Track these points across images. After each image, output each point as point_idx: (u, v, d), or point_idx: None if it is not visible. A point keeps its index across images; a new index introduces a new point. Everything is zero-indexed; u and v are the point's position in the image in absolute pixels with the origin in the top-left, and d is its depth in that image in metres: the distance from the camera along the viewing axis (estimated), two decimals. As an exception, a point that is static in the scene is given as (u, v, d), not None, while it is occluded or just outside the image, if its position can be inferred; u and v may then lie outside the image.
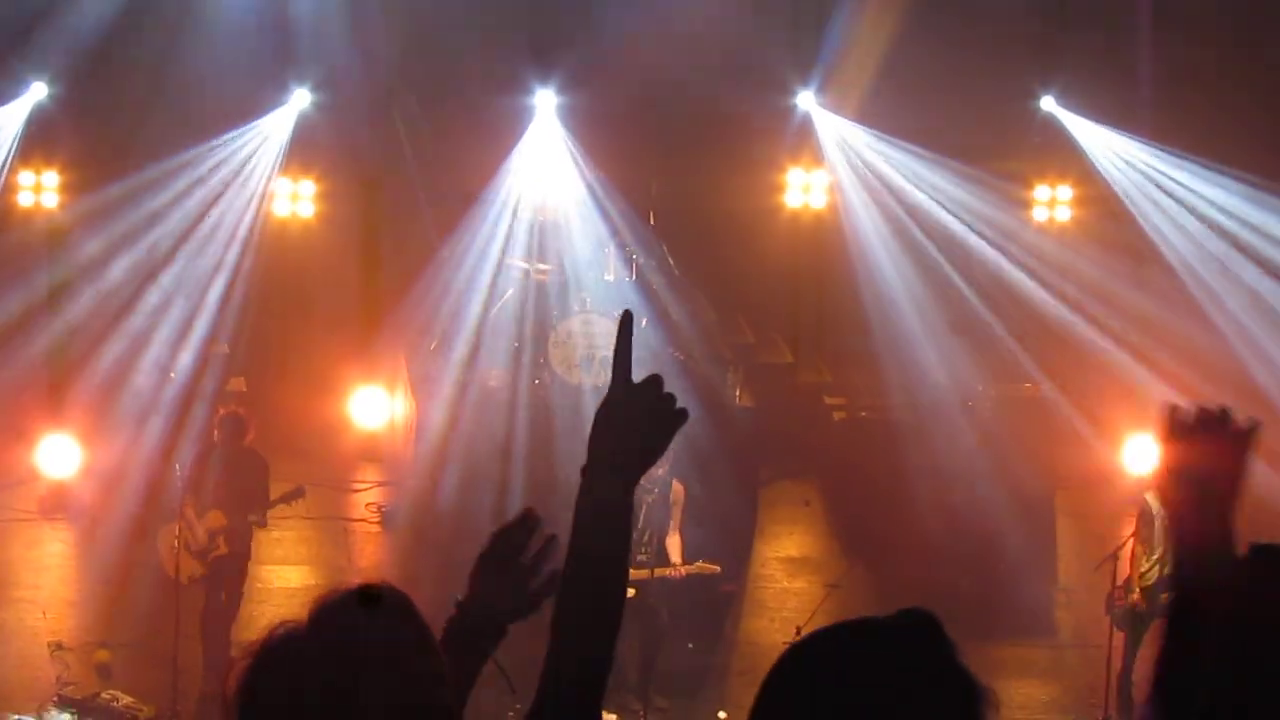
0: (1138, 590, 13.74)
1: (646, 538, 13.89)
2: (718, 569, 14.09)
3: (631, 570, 13.63)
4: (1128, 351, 18.62)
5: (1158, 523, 13.78)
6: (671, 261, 17.96)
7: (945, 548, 15.85)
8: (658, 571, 13.86)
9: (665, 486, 13.95)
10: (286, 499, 14.15)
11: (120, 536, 15.60)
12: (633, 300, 17.11)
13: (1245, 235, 18.62)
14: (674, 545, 13.98)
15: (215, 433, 14.29)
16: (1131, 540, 13.84)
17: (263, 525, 14.22)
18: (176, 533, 13.63)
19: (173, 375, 18.05)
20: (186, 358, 18.17)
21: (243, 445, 14.12)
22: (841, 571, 16.01)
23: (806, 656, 2.63)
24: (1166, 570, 13.75)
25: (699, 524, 14.45)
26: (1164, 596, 13.71)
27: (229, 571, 14.05)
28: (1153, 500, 13.88)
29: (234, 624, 14.16)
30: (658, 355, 17.14)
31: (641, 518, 13.85)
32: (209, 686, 13.63)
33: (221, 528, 13.83)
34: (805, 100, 19.28)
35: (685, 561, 13.93)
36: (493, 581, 3.57)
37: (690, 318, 17.88)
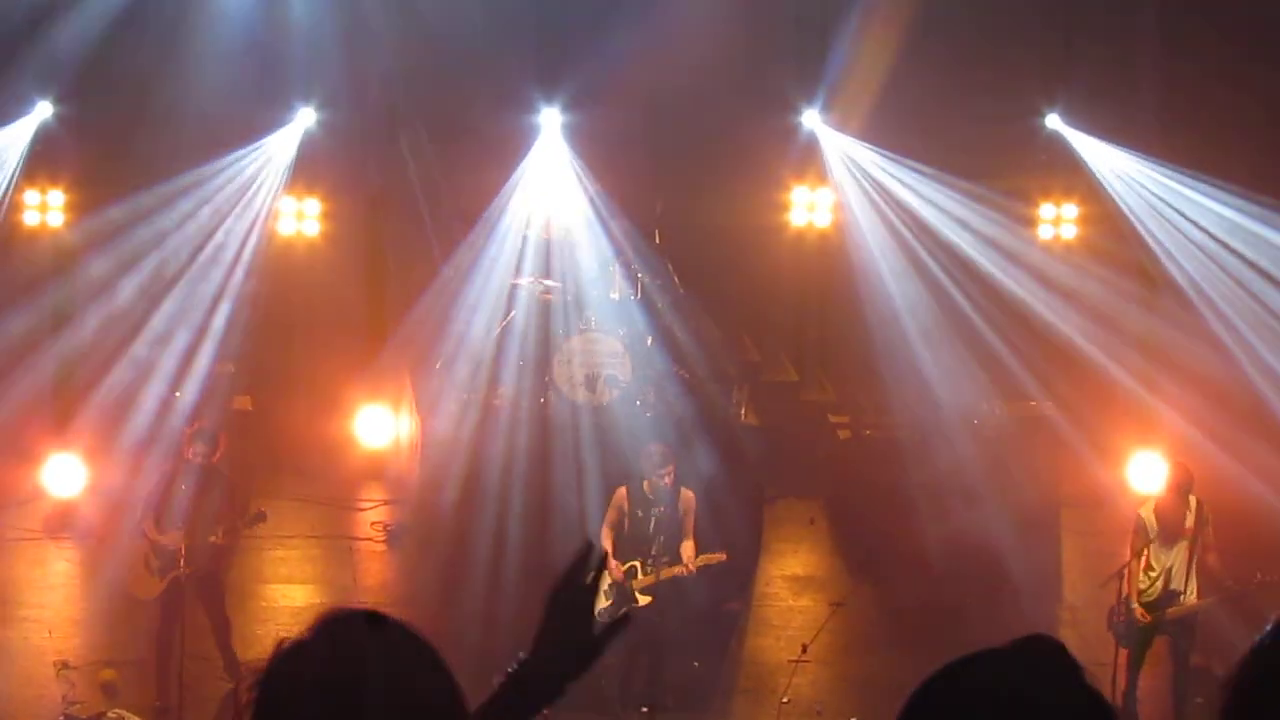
0: (1138, 606, 13.72)
1: (656, 548, 13.94)
2: (723, 556, 14.09)
3: (643, 578, 13.82)
4: (1133, 369, 18.62)
5: (1153, 539, 13.77)
6: (676, 280, 17.97)
7: (950, 566, 15.85)
8: (665, 573, 13.91)
9: (672, 496, 13.98)
10: (249, 523, 13.94)
11: (125, 556, 15.55)
12: (637, 318, 17.14)
13: (1250, 253, 18.60)
14: (688, 550, 14.01)
15: (187, 449, 13.96)
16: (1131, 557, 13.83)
17: (222, 544, 13.90)
18: (141, 552, 13.61)
19: (178, 394, 18.04)
20: (192, 377, 18.17)
21: (212, 463, 13.85)
22: (846, 589, 16.01)
23: (939, 695, 2.63)
24: (1171, 586, 13.74)
25: (705, 538, 14.47)
26: (1169, 611, 13.71)
27: (202, 591, 13.85)
28: (1147, 515, 13.88)
29: (231, 639, 14.09)
30: (662, 373, 17.17)
31: (651, 527, 13.92)
32: (162, 700, 13.67)
33: (180, 548, 13.57)
34: (810, 118, 19.28)
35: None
36: (559, 631, 3.50)
37: (695, 336, 17.89)
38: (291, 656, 2.85)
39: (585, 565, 3.50)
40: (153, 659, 13.82)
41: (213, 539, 13.70)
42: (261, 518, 13.98)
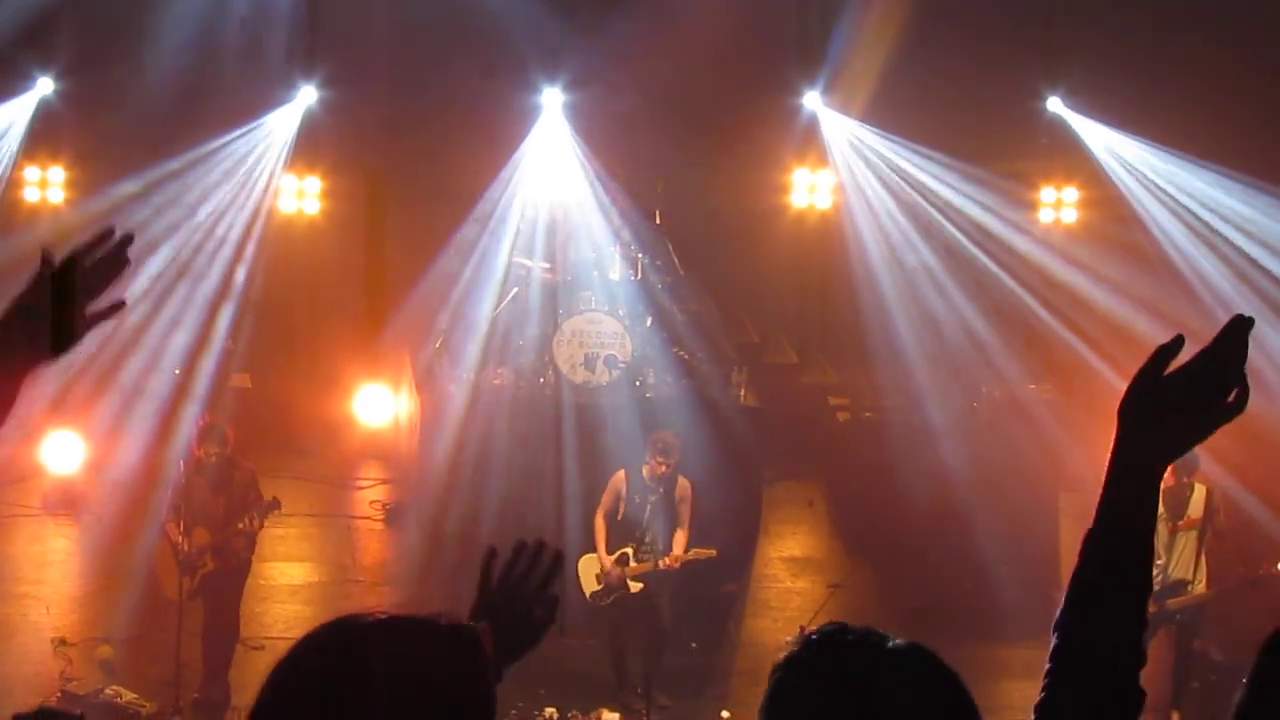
0: (1143, 594, 13.67)
1: (650, 537, 13.95)
2: (713, 552, 14.10)
3: (635, 565, 13.84)
4: (1131, 353, 18.59)
5: (1161, 528, 13.73)
6: (676, 261, 17.94)
7: (948, 549, 15.86)
8: (661, 564, 13.95)
9: (670, 484, 13.98)
10: (264, 511, 13.66)
11: (123, 532, 15.57)
12: (637, 299, 17.12)
13: (1252, 238, 18.59)
14: (679, 541, 14.02)
15: (198, 448, 13.63)
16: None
17: (254, 531, 13.64)
18: (167, 551, 13.54)
19: (177, 371, 18.03)
20: (191, 354, 18.15)
21: (226, 455, 13.59)
22: (845, 572, 16.06)
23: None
24: (1173, 576, 13.71)
25: (704, 522, 14.48)
26: (1170, 602, 13.68)
27: (224, 586, 13.69)
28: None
29: (232, 650, 13.79)
30: (662, 354, 17.15)
31: (647, 514, 13.93)
32: (205, 695, 13.61)
33: (207, 544, 13.41)
34: (811, 100, 19.27)
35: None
36: (495, 617, 3.42)
37: (695, 317, 17.85)
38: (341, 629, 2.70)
39: (523, 559, 3.47)
40: (200, 655, 13.64)
41: (241, 527, 13.51)
42: (275, 505, 13.67)
